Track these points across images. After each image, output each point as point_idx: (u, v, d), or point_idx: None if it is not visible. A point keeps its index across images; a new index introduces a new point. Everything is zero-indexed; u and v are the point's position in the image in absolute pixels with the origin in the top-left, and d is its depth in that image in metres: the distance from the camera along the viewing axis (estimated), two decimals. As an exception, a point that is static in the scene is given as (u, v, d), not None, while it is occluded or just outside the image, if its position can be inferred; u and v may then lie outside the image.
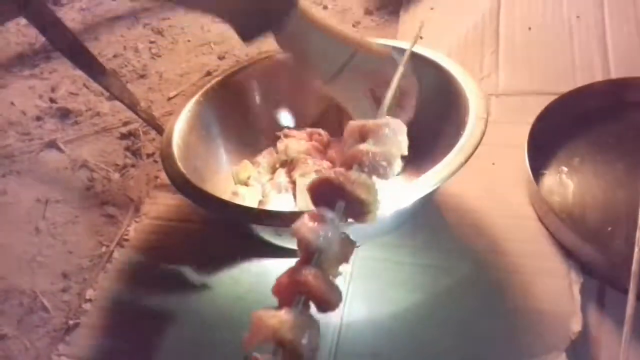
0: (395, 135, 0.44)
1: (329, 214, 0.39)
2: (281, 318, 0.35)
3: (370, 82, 0.60)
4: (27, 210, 0.74)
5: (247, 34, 0.57)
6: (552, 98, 0.70)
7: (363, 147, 0.42)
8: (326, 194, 0.40)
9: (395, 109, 0.57)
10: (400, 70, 0.54)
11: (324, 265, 0.38)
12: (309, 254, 0.38)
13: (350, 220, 0.41)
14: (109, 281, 0.64)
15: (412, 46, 0.58)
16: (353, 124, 0.45)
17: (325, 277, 0.38)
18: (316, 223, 0.39)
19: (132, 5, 1.16)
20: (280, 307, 0.36)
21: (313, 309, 0.37)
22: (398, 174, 0.55)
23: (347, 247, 0.40)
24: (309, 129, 0.71)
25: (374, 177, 0.42)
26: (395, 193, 0.49)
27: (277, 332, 0.34)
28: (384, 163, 0.42)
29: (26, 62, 1.04)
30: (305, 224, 0.39)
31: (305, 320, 0.36)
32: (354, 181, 0.40)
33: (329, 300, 0.37)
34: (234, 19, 0.56)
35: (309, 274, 0.37)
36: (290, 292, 0.37)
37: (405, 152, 0.44)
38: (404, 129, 0.45)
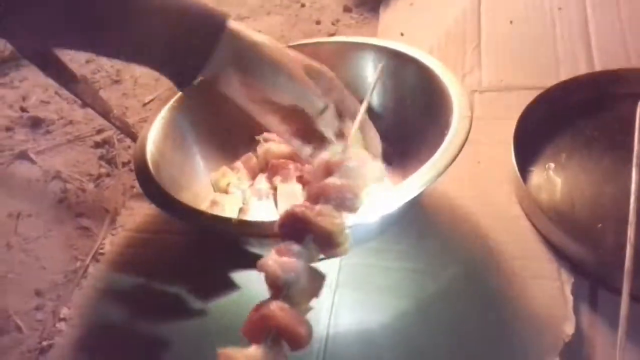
0: (359, 169, 0.45)
1: (296, 248, 0.39)
2: (249, 354, 0.34)
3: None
4: (-3, 226, 0.72)
5: (181, 81, 0.53)
6: (537, 92, 0.69)
7: (328, 181, 0.43)
8: (294, 228, 0.40)
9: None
10: (365, 104, 0.55)
11: (294, 300, 0.37)
12: (277, 289, 0.37)
13: (320, 255, 0.40)
14: (84, 298, 0.61)
15: (370, 93, 0.58)
16: (319, 159, 0.46)
17: (294, 311, 0.37)
18: (283, 257, 0.38)
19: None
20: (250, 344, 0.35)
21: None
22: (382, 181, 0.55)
23: (317, 280, 0.40)
24: (298, 143, 0.68)
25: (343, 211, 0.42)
26: (381, 197, 0.47)
27: None
28: (350, 196, 0.42)
29: (-5, 71, 1.01)
30: (272, 259, 0.38)
31: (275, 356, 0.35)
32: (319, 214, 0.40)
33: (298, 334, 0.36)
34: (163, 68, 0.52)
35: (277, 308, 0.36)
36: (259, 328, 0.36)
37: (381, 181, 0.46)
38: (368, 161, 0.46)
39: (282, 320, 0.36)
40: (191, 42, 0.50)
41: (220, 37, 0.50)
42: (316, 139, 0.58)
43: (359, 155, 0.46)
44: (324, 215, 0.40)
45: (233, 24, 0.51)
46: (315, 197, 0.43)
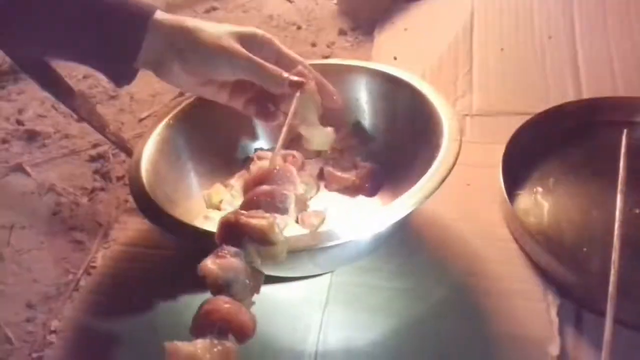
0: (287, 177, 0.50)
1: (233, 249, 0.41)
2: (196, 345, 0.36)
3: None
4: (-10, 237, 0.72)
5: (117, 77, 0.55)
6: (526, 118, 0.71)
7: (258, 188, 0.48)
8: (231, 234, 0.43)
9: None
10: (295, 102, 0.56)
11: (236, 297, 0.40)
12: (219, 289, 0.40)
13: (259, 256, 0.43)
14: (75, 311, 0.61)
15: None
16: (250, 174, 0.53)
17: (237, 303, 0.39)
18: (221, 259, 0.41)
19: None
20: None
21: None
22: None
23: (257, 277, 0.43)
24: (282, 151, 0.69)
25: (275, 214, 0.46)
26: (370, 216, 0.48)
27: (194, 355, 0.35)
28: (280, 198, 0.47)
29: (-8, 84, 1.02)
30: (210, 260, 0.41)
31: (221, 347, 0.36)
32: (250, 216, 0.43)
33: (242, 324, 0.38)
34: (97, 64, 0.54)
35: (219, 302, 0.38)
36: (204, 323, 0.38)
37: (300, 191, 0.50)
38: (293, 172, 0.51)
39: (224, 312, 0.38)
40: (119, 36, 0.52)
41: (147, 28, 0.52)
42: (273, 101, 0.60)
43: (284, 166, 0.51)
44: (254, 217, 0.43)
45: (161, 14, 0.53)
46: (247, 205, 0.46)
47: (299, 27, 1.09)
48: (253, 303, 0.42)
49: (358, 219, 0.48)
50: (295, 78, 0.55)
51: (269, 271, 0.58)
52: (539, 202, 0.66)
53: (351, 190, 0.67)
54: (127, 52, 0.52)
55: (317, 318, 0.56)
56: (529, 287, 0.57)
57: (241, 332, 0.38)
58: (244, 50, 0.54)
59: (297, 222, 0.63)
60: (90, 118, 0.73)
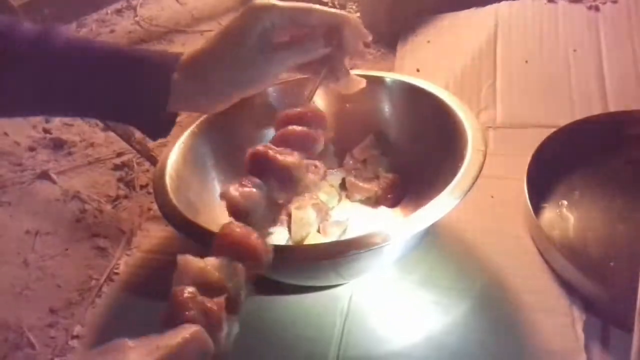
0: (319, 122, 0.52)
1: (257, 180, 0.43)
2: (207, 262, 0.38)
3: None
4: (16, 243, 0.73)
5: (153, 133, 0.56)
6: (550, 131, 0.70)
7: (290, 128, 0.49)
8: (257, 165, 0.45)
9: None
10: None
11: (254, 226, 0.41)
12: (238, 215, 0.41)
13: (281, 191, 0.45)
14: (97, 317, 0.62)
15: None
16: (281, 113, 0.52)
17: (254, 231, 0.40)
18: (244, 188, 0.42)
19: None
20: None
21: None
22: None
23: (275, 210, 0.45)
24: (305, 161, 0.70)
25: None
26: (393, 227, 0.48)
27: (203, 270, 0.37)
28: (310, 141, 0.49)
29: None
30: (234, 187, 0.43)
31: (232, 270, 0.38)
32: (279, 152, 0.45)
33: (256, 251, 0.40)
34: (137, 123, 0.55)
35: (236, 226, 0.40)
36: (220, 244, 0.39)
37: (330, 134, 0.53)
38: (325, 118, 0.53)
39: (238, 236, 0.39)
40: (148, 92, 0.52)
41: (171, 77, 0.52)
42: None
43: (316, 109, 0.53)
44: (283, 154, 0.45)
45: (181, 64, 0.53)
46: (278, 141, 0.48)
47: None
48: (270, 234, 0.43)
49: (380, 228, 0.48)
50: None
51: (290, 280, 0.58)
52: (564, 216, 0.65)
53: (373, 200, 0.67)
54: (156, 101, 0.53)
55: (338, 328, 0.56)
56: (554, 302, 0.56)
57: (253, 256, 0.39)
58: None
59: (318, 231, 0.63)
60: (116, 127, 0.74)
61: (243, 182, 0.43)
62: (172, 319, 0.35)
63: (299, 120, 0.50)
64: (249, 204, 0.42)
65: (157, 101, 0.52)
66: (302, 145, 0.48)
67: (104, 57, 0.52)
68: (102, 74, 0.51)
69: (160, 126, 0.55)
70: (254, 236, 0.40)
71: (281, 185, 0.45)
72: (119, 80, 0.52)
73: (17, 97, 0.51)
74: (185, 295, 0.36)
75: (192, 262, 0.37)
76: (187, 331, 0.34)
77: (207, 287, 0.37)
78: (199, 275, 0.37)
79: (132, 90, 0.52)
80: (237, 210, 0.42)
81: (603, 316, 0.54)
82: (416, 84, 0.65)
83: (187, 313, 0.35)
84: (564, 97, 0.80)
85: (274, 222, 0.45)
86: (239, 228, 0.40)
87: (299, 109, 0.52)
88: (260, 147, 0.45)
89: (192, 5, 1.27)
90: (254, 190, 0.43)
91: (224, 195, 0.42)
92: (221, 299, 0.36)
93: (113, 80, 0.52)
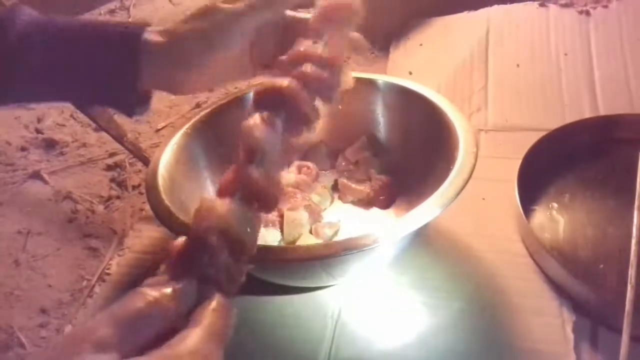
0: (336, 71, 0.46)
1: (278, 121, 0.41)
2: (228, 206, 0.35)
3: None
4: (7, 242, 0.73)
5: (125, 108, 0.53)
6: (542, 134, 0.70)
7: (308, 66, 0.44)
8: (272, 100, 0.42)
9: None
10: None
11: (266, 167, 0.39)
12: (253, 154, 0.39)
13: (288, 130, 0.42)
14: (89, 317, 0.61)
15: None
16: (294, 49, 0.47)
17: (269, 176, 0.38)
18: (268, 127, 0.40)
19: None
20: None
21: None
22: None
23: (289, 153, 0.42)
24: (297, 162, 0.70)
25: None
26: (384, 228, 0.48)
27: (223, 217, 0.35)
28: (328, 87, 0.45)
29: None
30: (258, 125, 0.39)
31: (246, 210, 0.36)
32: (299, 94, 0.42)
33: (270, 195, 0.38)
34: (110, 101, 0.53)
35: (254, 171, 0.37)
36: (233, 184, 0.37)
37: (350, 84, 0.48)
38: (342, 67, 0.47)
39: (256, 181, 0.37)
40: (115, 67, 0.49)
41: (139, 51, 0.49)
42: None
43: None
44: (303, 97, 0.42)
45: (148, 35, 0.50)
46: (293, 62, 0.45)
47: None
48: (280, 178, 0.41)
49: (372, 229, 0.48)
50: None
51: (282, 281, 0.58)
52: (554, 218, 0.65)
53: (365, 202, 0.67)
54: (128, 82, 0.50)
55: (329, 329, 0.56)
56: (544, 303, 0.56)
57: (267, 203, 0.38)
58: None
59: (311, 232, 0.64)
60: (108, 127, 0.74)
61: (266, 120, 0.40)
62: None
63: (316, 60, 0.45)
64: (267, 146, 0.39)
65: (125, 75, 0.50)
66: (319, 89, 0.44)
67: (65, 33, 0.49)
68: (65, 52, 0.49)
69: (136, 102, 0.52)
70: (272, 184, 0.39)
71: (288, 127, 0.42)
72: (84, 56, 0.49)
73: None
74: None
75: (213, 203, 0.36)
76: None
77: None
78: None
79: (99, 65, 0.49)
80: (252, 150, 0.39)
81: (592, 317, 0.54)
82: (408, 86, 0.66)
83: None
84: (555, 101, 0.81)
85: (287, 164, 0.44)
86: (257, 173, 0.38)
87: (314, 51, 0.46)
88: (284, 84, 0.42)
89: (186, 6, 1.27)
90: (274, 132, 0.40)
91: (247, 131, 0.39)
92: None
93: (77, 57, 0.49)
